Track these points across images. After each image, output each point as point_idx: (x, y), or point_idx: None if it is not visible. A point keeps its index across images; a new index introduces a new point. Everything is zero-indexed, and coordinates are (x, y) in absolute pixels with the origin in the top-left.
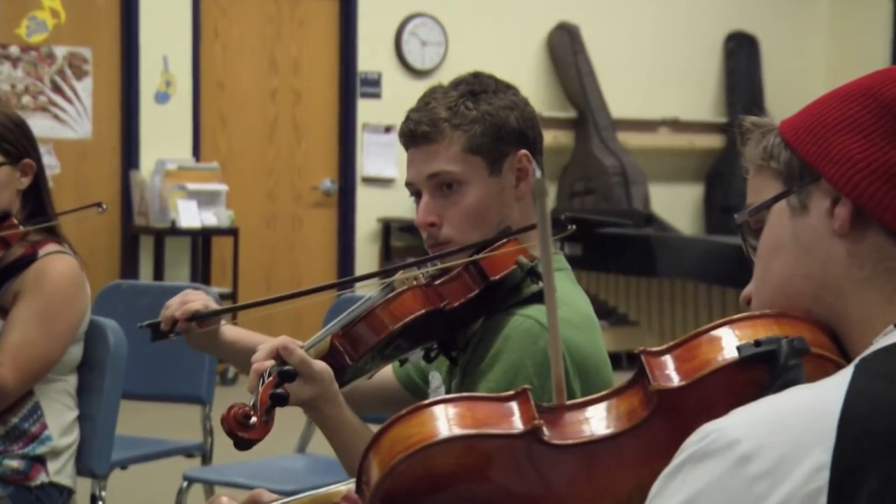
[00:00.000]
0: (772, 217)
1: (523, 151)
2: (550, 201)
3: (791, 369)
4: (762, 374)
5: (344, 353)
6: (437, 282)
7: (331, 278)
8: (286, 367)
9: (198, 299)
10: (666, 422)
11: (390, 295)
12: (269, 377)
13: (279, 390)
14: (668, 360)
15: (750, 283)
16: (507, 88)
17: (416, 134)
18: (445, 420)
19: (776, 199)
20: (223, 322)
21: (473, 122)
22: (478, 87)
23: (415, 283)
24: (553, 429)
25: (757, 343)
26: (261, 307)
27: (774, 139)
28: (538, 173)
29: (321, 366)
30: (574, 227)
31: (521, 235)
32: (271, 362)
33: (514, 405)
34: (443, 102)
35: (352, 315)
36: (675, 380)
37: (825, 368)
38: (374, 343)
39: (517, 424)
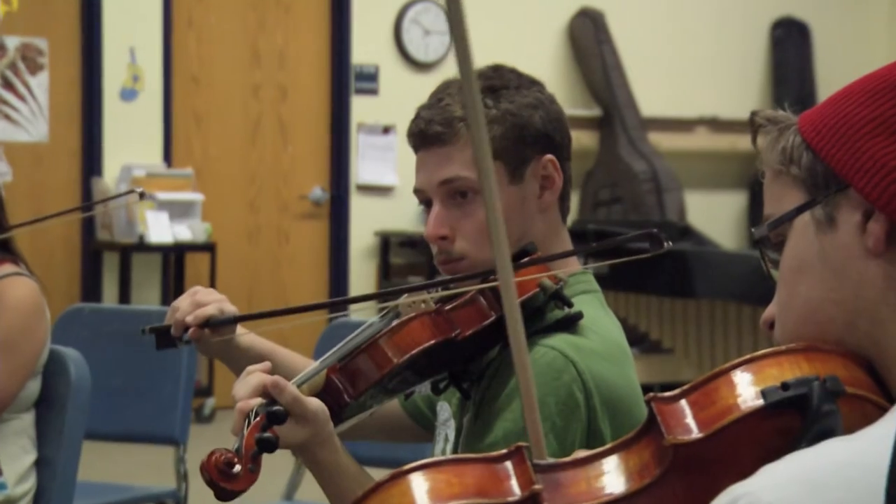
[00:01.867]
0: (794, 232)
1: (549, 156)
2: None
3: (825, 416)
4: (792, 420)
5: (342, 391)
6: (448, 307)
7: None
8: (275, 408)
9: (211, 301)
10: (683, 479)
11: (395, 323)
12: (255, 418)
13: (267, 434)
14: (683, 407)
15: (772, 304)
16: (532, 84)
17: (427, 134)
18: (430, 489)
19: (798, 210)
20: (240, 329)
21: (493, 123)
22: (498, 82)
23: (423, 307)
24: (554, 492)
25: (784, 386)
26: (284, 316)
27: (794, 139)
28: None
29: (315, 405)
30: (670, 244)
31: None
32: (258, 400)
33: (508, 466)
34: (458, 99)
35: (351, 346)
36: (693, 431)
37: (863, 410)
38: (377, 378)
39: (513, 490)
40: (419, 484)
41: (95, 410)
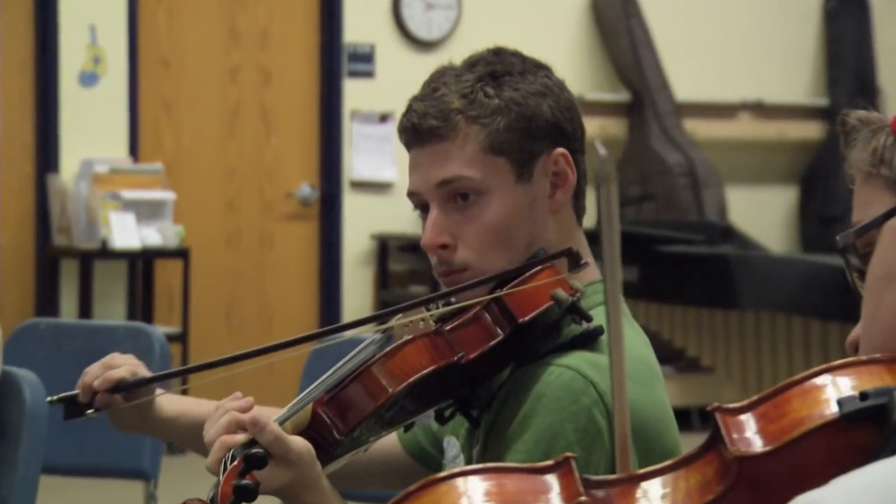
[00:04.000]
0: (883, 238)
1: (560, 150)
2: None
3: None
4: (870, 435)
5: (331, 427)
6: (449, 326)
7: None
8: (255, 450)
9: (124, 364)
10: (748, 497)
11: (389, 348)
12: (233, 461)
13: (245, 481)
14: (749, 419)
15: (858, 324)
16: (538, 69)
17: (421, 129)
18: (467, 499)
19: (888, 215)
20: (159, 391)
21: (495, 114)
22: (500, 67)
23: (422, 325)
24: None
25: (863, 396)
26: (213, 369)
27: (886, 139)
28: (602, 151)
29: (300, 444)
30: (585, 262)
31: (559, 261)
32: (243, 436)
33: (552, 478)
34: (455, 88)
35: (340, 375)
36: (760, 444)
37: None
38: (371, 411)
39: (556, 503)
40: (457, 492)
41: (54, 441)
